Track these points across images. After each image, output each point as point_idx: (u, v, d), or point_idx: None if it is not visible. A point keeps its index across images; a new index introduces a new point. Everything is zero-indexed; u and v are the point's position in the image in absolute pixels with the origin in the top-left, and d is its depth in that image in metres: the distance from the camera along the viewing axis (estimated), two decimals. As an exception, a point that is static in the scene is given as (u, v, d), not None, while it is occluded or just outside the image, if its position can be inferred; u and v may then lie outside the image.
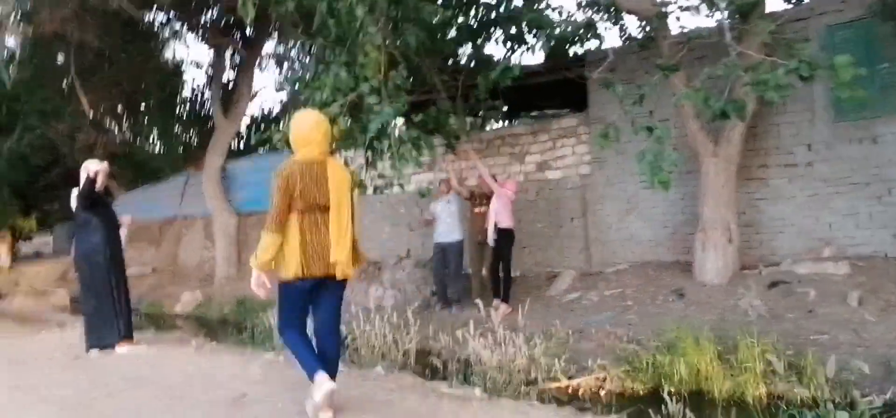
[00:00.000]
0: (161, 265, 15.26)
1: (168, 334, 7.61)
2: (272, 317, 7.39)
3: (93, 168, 5.87)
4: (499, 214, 7.48)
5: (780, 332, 5.32)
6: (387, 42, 6.19)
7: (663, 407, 4.24)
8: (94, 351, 5.90)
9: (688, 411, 4.01)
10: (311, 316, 3.63)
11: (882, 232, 6.76)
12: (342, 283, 3.54)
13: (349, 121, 6.30)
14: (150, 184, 17.49)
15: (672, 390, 4.64)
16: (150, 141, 19.29)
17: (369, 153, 6.97)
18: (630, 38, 8.80)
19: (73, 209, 6.07)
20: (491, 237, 7.52)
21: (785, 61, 5.12)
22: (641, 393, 5.10)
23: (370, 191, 7.81)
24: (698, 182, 7.23)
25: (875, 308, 5.79)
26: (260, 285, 3.44)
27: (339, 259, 3.37)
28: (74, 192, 5.99)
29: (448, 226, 8.07)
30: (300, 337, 3.45)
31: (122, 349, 5.96)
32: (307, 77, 6.62)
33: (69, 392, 4.62)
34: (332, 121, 6.05)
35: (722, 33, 5.79)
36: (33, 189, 19.47)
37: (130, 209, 15.85)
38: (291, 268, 3.32)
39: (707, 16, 8.39)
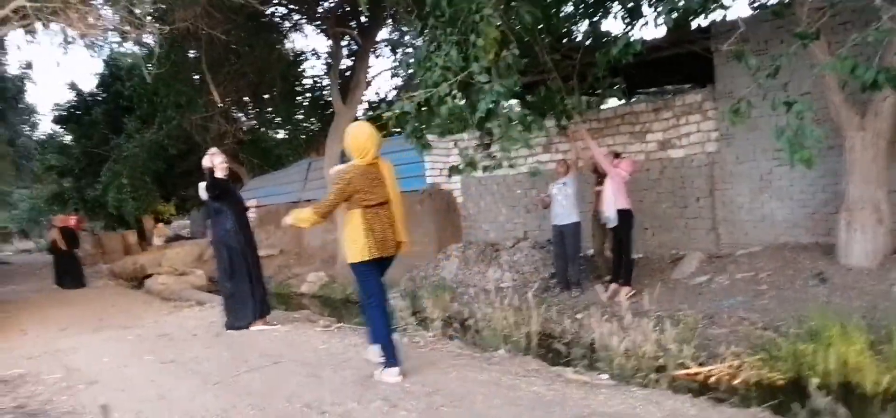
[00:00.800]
0: (287, 247, 16.20)
1: (296, 313, 8.10)
2: (396, 297, 7.70)
3: (207, 162, 6.35)
4: (615, 195, 7.33)
5: (941, 322, 4.88)
6: (500, 21, 6.16)
7: (808, 400, 4.03)
8: (233, 331, 6.42)
9: (840, 406, 3.78)
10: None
11: None
12: (391, 261, 4.39)
13: (460, 100, 6.32)
14: (275, 169, 18.59)
15: (818, 382, 4.38)
16: (274, 128, 20.43)
17: (481, 134, 6.99)
18: (762, 6, 8.25)
19: (203, 199, 6.60)
20: (608, 218, 7.38)
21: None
22: (781, 383, 4.85)
23: (480, 171, 7.84)
24: (842, 158, 6.71)
25: None
26: (291, 220, 4.48)
27: (404, 240, 4.37)
28: (202, 185, 6.50)
29: (564, 209, 8.00)
30: (383, 316, 4.29)
31: (256, 327, 6.44)
32: (419, 58, 6.68)
33: (213, 366, 5.07)
34: (441, 101, 6.14)
35: (872, -5, 5.31)
36: (171, 176, 21.17)
37: (257, 194, 17.07)
38: (365, 252, 4.13)
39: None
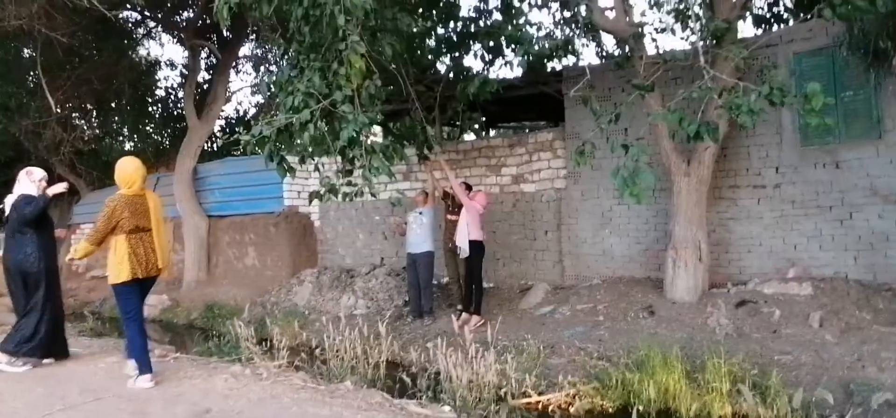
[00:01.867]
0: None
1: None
2: (240, 325, 7.31)
3: (28, 187, 5.56)
4: (469, 227, 7.51)
5: (746, 352, 5.44)
6: (364, 50, 6.16)
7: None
8: (26, 362, 5.56)
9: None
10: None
11: (844, 254, 6.93)
12: (152, 283, 4.98)
13: (323, 127, 6.23)
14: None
15: (641, 409, 4.69)
16: (120, 140, 18.87)
17: (342, 161, 6.90)
18: (607, 56, 8.93)
19: (6, 215, 5.69)
20: (461, 249, 7.54)
21: (757, 87, 5.23)
22: (611, 410, 5.15)
23: (341, 198, 7.71)
24: (671, 200, 7.34)
25: (836, 329, 5.94)
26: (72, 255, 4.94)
27: (164, 265, 4.93)
28: (9, 199, 5.64)
29: (419, 237, 8.06)
30: (140, 333, 4.78)
31: (48, 362, 5.65)
32: (281, 80, 6.50)
33: (20, 404, 4.44)
34: (303, 127, 6.00)
35: (696, 56, 5.89)
36: (-7, 186, 18.88)
37: (96, 209, 15.65)
38: (127, 273, 4.59)
39: (682, 38, 8.52)
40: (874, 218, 6.76)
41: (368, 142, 6.48)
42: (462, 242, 7.49)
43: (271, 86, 7.44)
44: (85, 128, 17.26)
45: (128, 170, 4.80)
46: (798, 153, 7.22)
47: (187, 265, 12.56)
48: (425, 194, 8.38)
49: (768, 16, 9.54)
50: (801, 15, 8.72)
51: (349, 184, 7.55)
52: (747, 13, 8.89)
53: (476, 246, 7.52)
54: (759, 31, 7.71)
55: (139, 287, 4.74)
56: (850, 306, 6.27)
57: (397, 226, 8.53)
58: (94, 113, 17.15)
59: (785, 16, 9.42)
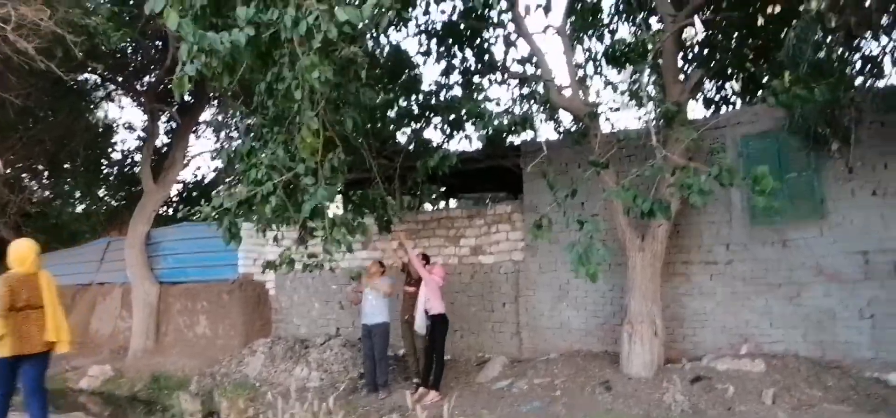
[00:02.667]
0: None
1: (69, 415, 7.03)
2: (187, 398, 7.01)
3: None
4: (429, 301, 7.47)
5: (701, 429, 5.44)
6: (326, 124, 6.21)
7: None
8: None
9: None
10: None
11: (793, 331, 7.08)
12: (45, 357, 5.36)
13: (282, 197, 6.21)
14: (67, 247, 16.56)
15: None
16: (71, 202, 18.36)
17: (302, 231, 6.84)
18: (566, 132, 9.17)
19: None
20: (420, 324, 7.48)
21: (707, 167, 5.43)
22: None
23: (299, 267, 7.60)
24: (626, 275, 7.44)
25: (788, 406, 6.01)
26: None
27: (56, 339, 5.29)
28: None
29: (374, 308, 7.94)
30: (5, 408, 5.14)
31: None
32: (242, 151, 6.50)
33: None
34: (265, 199, 5.96)
35: (649, 136, 6.09)
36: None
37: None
38: (6, 349, 4.97)
39: (636, 118, 8.85)
40: (821, 296, 6.96)
41: (331, 214, 6.46)
42: (420, 318, 7.44)
43: (231, 155, 7.39)
44: (35, 188, 16.78)
45: (22, 251, 5.29)
46: (747, 232, 7.45)
47: (135, 333, 12.05)
48: (380, 265, 8.31)
49: (716, 98, 10.00)
50: (748, 98, 9.20)
51: (310, 256, 7.46)
52: (698, 96, 9.33)
53: (439, 319, 7.47)
54: (708, 113, 8.06)
55: (17, 363, 5.10)
56: (801, 383, 6.37)
57: (354, 296, 8.41)
58: (46, 174, 16.70)
59: (732, 99, 9.88)
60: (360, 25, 5.29)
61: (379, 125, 8.47)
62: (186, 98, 13.51)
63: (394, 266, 8.51)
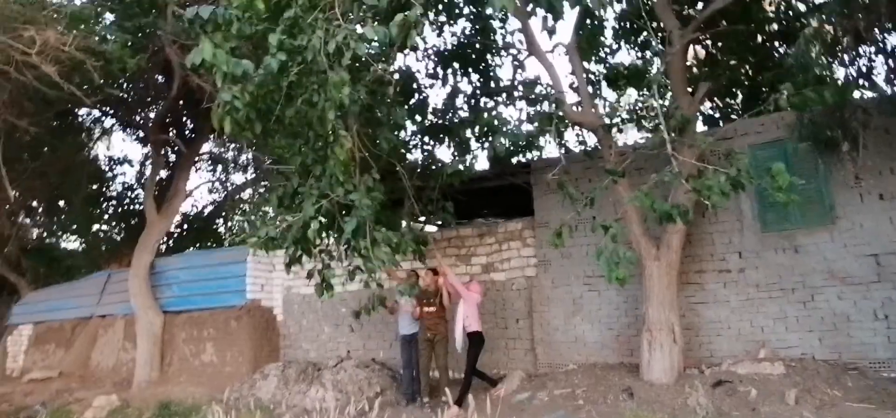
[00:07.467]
0: (70, 368, 14.07)
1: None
2: (218, 412, 6.93)
3: None
4: (467, 318, 7.60)
5: (731, 428, 5.49)
6: (359, 145, 6.41)
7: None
8: None
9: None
10: None
11: (809, 335, 7.19)
12: None
13: (323, 221, 6.38)
14: (65, 281, 16.39)
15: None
16: (70, 236, 18.26)
17: (345, 249, 6.78)
18: (569, 149, 9.35)
19: None
20: (458, 342, 7.61)
21: (724, 170, 5.58)
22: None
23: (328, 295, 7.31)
24: (641, 285, 7.53)
25: (812, 406, 6.09)
26: None
27: None
28: None
29: (412, 319, 8.28)
30: None
31: None
32: (288, 192, 6.75)
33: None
34: (307, 223, 6.09)
35: (663, 145, 6.23)
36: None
37: (39, 308, 14.86)
38: None
39: (646, 130, 9.07)
40: (834, 300, 7.09)
41: (376, 235, 6.44)
42: (459, 335, 7.64)
43: (280, 197, 7.35)
44: (39, 221, 16.71)
45: None
46: (759, 239, 7.60)
47: (139, 363, 11.92)
48: (415, 274, 8.45)
49: (717, 117, 10.27)
50: (748, 114, 9.45)
51: (350, 273, 7.22)
52: (711, 106, 9.59)
53: (476, 336, 7.60)
54: (717, 121, 8.31)
55: None
56: (821, 385, 6.46)
57: (391, 306, 8.43)
58: (46, 208, 16.64)
59: (732, 116, 10.14)
60: (387, 43, 5.44)
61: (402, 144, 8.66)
62: (188, 130, 13.70)
63: (429, 289, 8.44)
